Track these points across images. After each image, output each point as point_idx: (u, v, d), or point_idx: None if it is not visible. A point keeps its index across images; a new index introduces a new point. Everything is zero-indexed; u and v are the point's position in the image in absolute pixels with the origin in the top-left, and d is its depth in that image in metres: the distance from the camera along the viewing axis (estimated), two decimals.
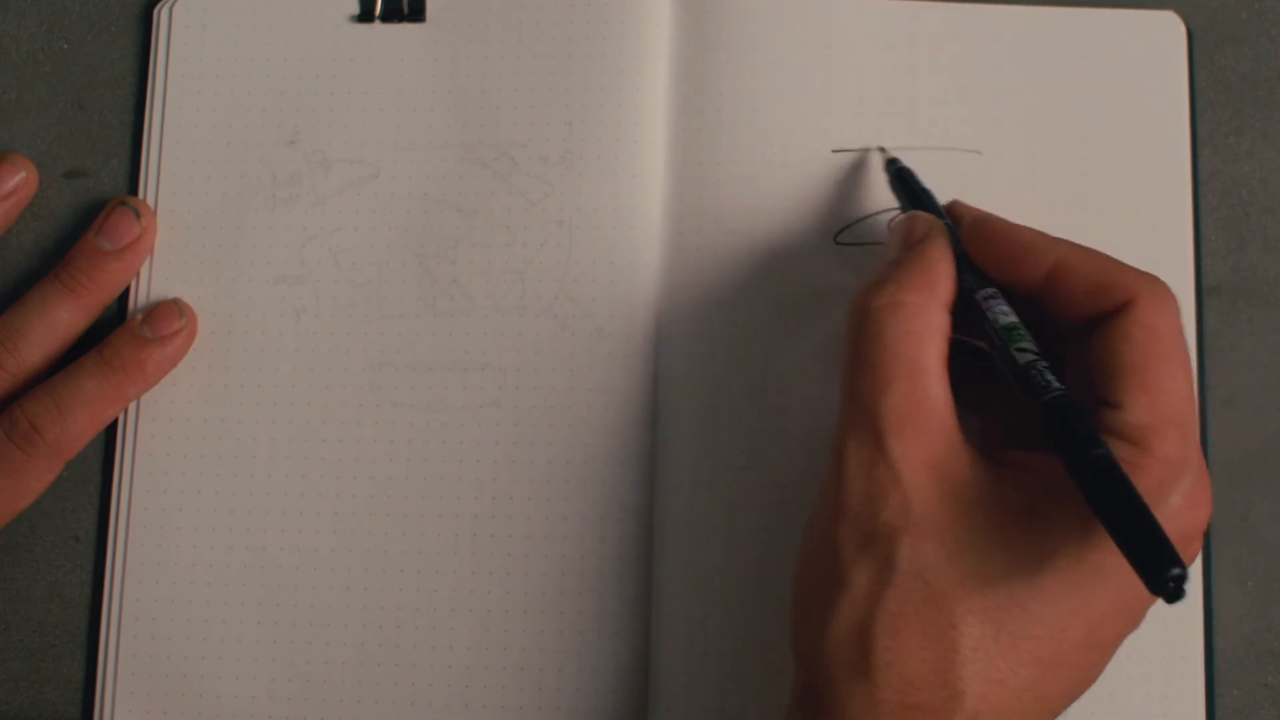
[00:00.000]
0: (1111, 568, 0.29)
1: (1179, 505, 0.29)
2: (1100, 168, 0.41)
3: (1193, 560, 0.31)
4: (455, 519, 0.39)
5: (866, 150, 0.40)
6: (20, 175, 0.41)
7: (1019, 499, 0.30)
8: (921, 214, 0.36)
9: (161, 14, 0.42)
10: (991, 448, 0.32)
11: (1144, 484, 0.28)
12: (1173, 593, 0.26)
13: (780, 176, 0.40)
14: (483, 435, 0.40)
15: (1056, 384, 0.30)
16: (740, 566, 0.39)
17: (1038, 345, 0.31)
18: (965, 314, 0.33)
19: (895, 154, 0.39)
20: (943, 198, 0.40)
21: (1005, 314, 0.32)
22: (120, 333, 0.39)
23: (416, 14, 0.42)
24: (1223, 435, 0.40)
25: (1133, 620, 0.31)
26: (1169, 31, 0.42)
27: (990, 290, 0.33)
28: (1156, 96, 0.41)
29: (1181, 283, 0.40)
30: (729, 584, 0.39)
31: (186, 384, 0.40)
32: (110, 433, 0.40)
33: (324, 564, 0.39)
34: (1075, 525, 0.29)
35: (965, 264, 0.34)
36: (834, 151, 0.41)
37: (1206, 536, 0.39)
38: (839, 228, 0.40)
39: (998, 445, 0.32)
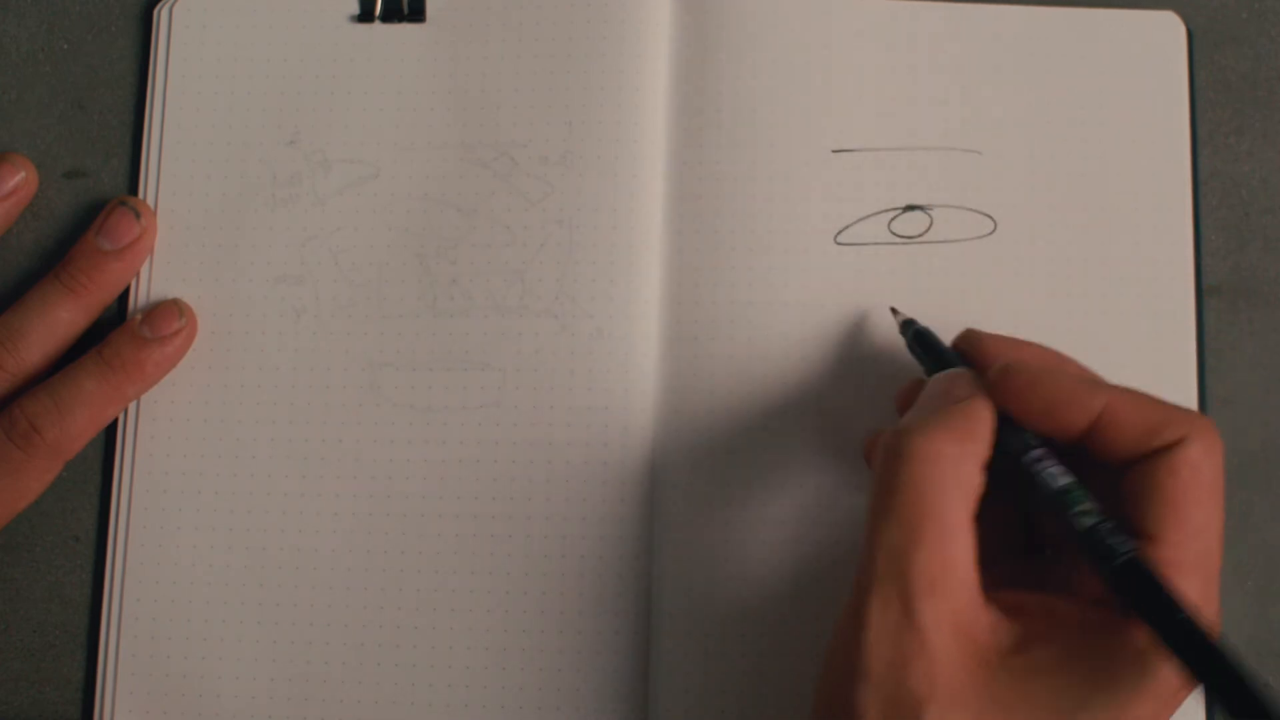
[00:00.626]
0: (1146, 692, 0.28)
1: None
2: (1100, 168, 0.41)
3: None
4: (455, 519, 0.39)
5: (893, 314, 0.39)
6: (20, 175, 0.41)
7: (1041, 657, 0.30)
8: (963, 372, 0.34)
9: (161, 14, 0.42)
10: (993, 585, 0.31)
11: None
12: None
13: (780, 176, 0.40)
14: (483, 435, 0.40)
15: (1125, 545, 0.29)
16: (741, 565, 0.39)
17: (1088, 491, 0.31)
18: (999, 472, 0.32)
19: (908, 315, 0.38)
20: (943, 198, 0.40)
21: (1056, 475, 0.31)
22: (120, 333, 0.39)
23: (416, 14, 0.42)
24: (1223, 435, 0.40)
25: (1167, 711, 0.30)
26: (1169, 31, 0.42)
27: (1037, 452, 0.32)
28: (1156, 96, 0.41)
29: (1181, 283, 0.40)
30: (729, 583, 0.39)
31: (186, 384, 0.40)
32: (110, 433, 0.40)
33: (324, 564, 0.39)
34: (1102, 676, 0.29)
35: (1006, 424, 0.32)
36: (834, 151, 0.41)
37: None
38: (839, 228, 0.40)
39: (992, 560, 0.32)
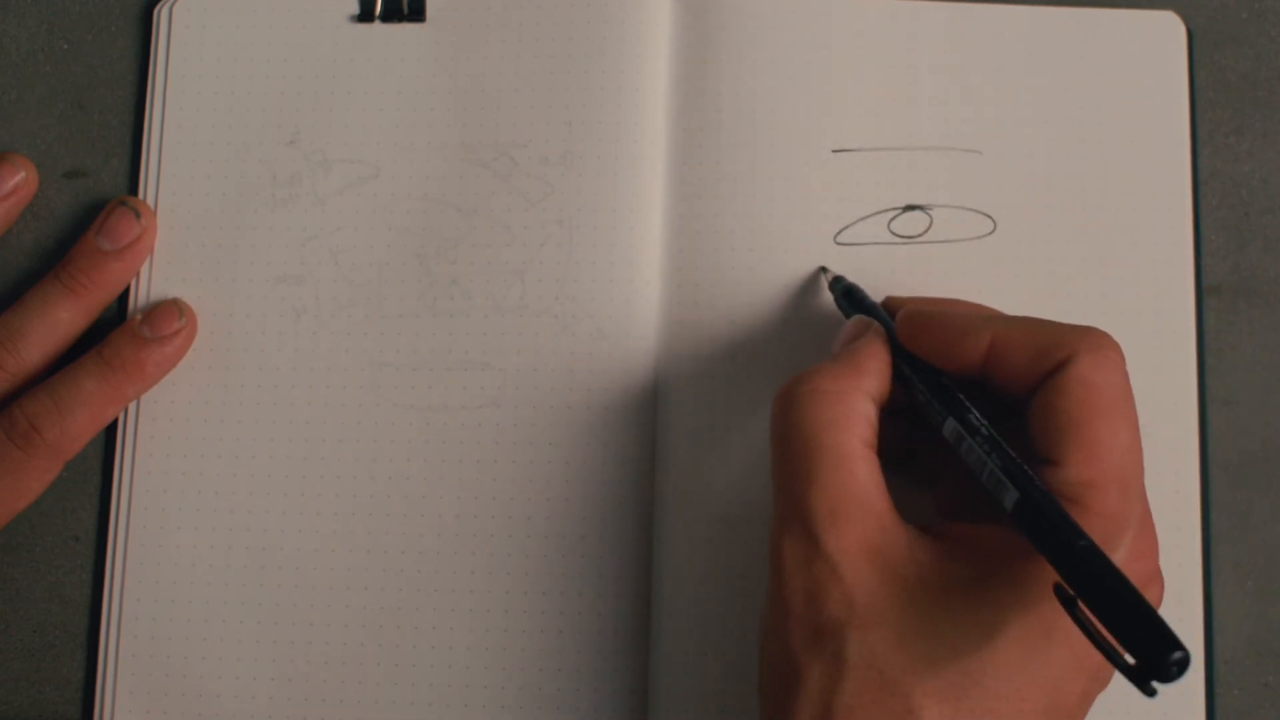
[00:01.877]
0: (1062, 629, 0.29)
1: (1123, 559, 0.29)
2: (1100, 168, 0.41)
3: (1158, 605, 0.31)
4: (455, 519, 0.39)
5: (816, 271, 0.40)
6: (20, 175, 0.41)
7: (961, 573, 0.30)
8: (859, 316, 0.36)
9: (161, 14, 0.42)
10: (945, 517, 0.32)
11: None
12: (1175, 676, 0.25)
13: (780, 176, 0.40)
14: (483, 435, 0.40)
15: (1021, 481, 0.29)
16: (740, 566, 0.39)
17: (987, 423, 0.31)
18: (920, 411, 0.33)
19: (838, 273, 0.39)
20: (943, 198, 0.41)
21: (950, 414, 0.32)
22: (120, 333, 0.39)
23: (416, 14, 0.42)
24: (1223, 435, 0.40)
25: (1096, 679, 0.30)
26: (1169, 31, 0.42)
27: (943, 388, 0.33)
28: (1156, 96, 0.41)
29: (1181, 283, 0.40)
30: (729, 583, 0.39)
31: (186, 384, 0.40)
32: (110, 433, 0.40)
33: (324, 564, 0.39)
34: (1024, 594, 0.29)
35: (913, 368, 0.34)
36: (834, 152, 0.41)
37: (1206, 536, 0.39)
38: (839, 228, 0.40)
39: (956, 514, 0.32)
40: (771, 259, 0.40)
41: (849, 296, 0.38)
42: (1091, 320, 0.39)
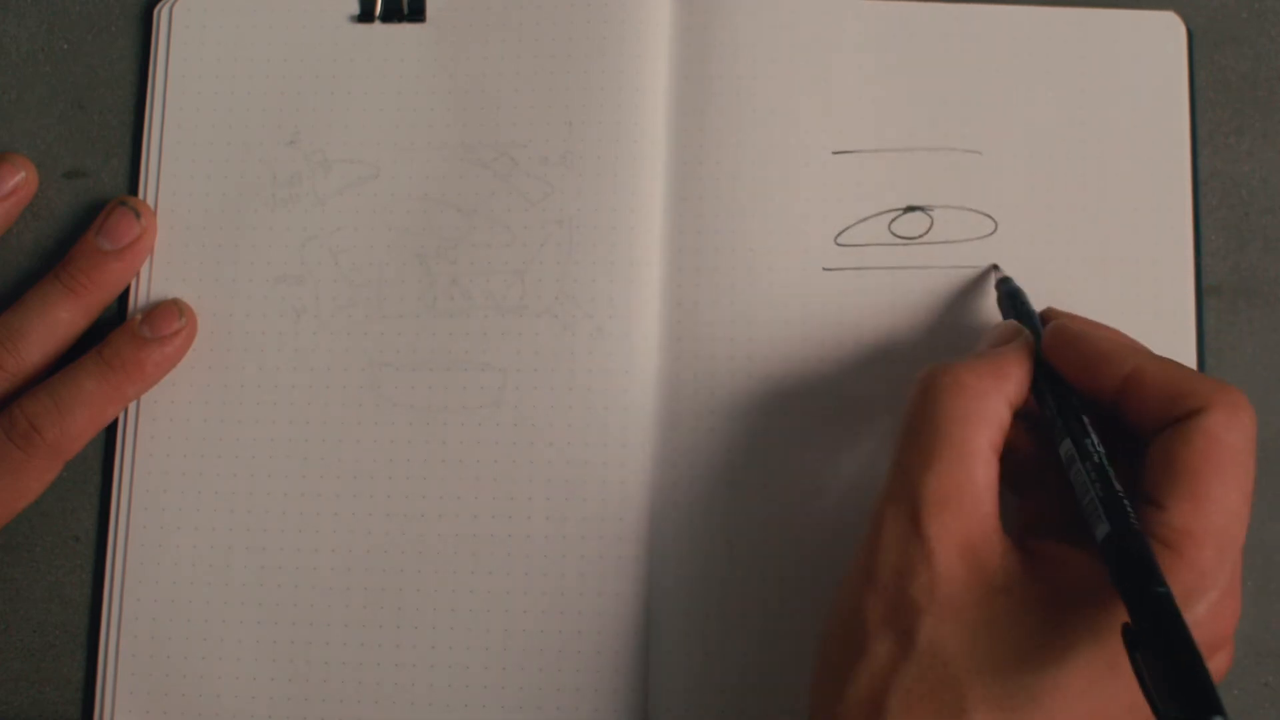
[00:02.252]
0: (1126, 668, 0.28)
1: (1202, 616, 0.29)
2: (1100, 168, 0.41)
3: (1220, 677, 0.31)
4: (455, 519, 0.39)
5: (987, 269, 0.40)
6: (20, 175, 0.41)
7: (1045, 592, 0.30)
8: (1014, 322, 0.36)
9: (161, 14, 0.42)
10: (1029, 532, 0.32)
11: (1172, 589, 0.28)
12: None
13: (781, 177, 0.40)
14: (483, 435, 0.40)
15: (1117, 516, 0.29)
16: (741, 565, 0.39)
17: (1102, 452, 0.31)
18: (1044, 425, 0.33)
19: (1007, 274, 0.39)
20: (943, 198, 0.41)
21: (1074, 436, 0.32)
22: (120, 333, 0.39)
23: (416, 14, 0.42)
24: None
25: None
26: (1169, 31, 0.41)
27: (1071, 408, 0.33)
28: (1156, 96, 0.41)
29: (1181, 283, 0.40)
30: (730, 583, 0.39)
31: (186, 384, 0.40)
32: (110, 433, 0.40)
33: (324, 564, 0.39)
34: (1097, 625, 0.29)
35: (1050, 382, 0.34)
36: (834, 153, 0.41)
37: None
38: (840, 229, 0.40)
39: (1036, 531, 0.32)
40: (772, 260, 0.40)
41: (1012, 299, 0.38)
42: (1091, 319, 0.40)
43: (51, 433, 0.38)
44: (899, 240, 0.40)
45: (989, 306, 0.40)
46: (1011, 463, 0.33)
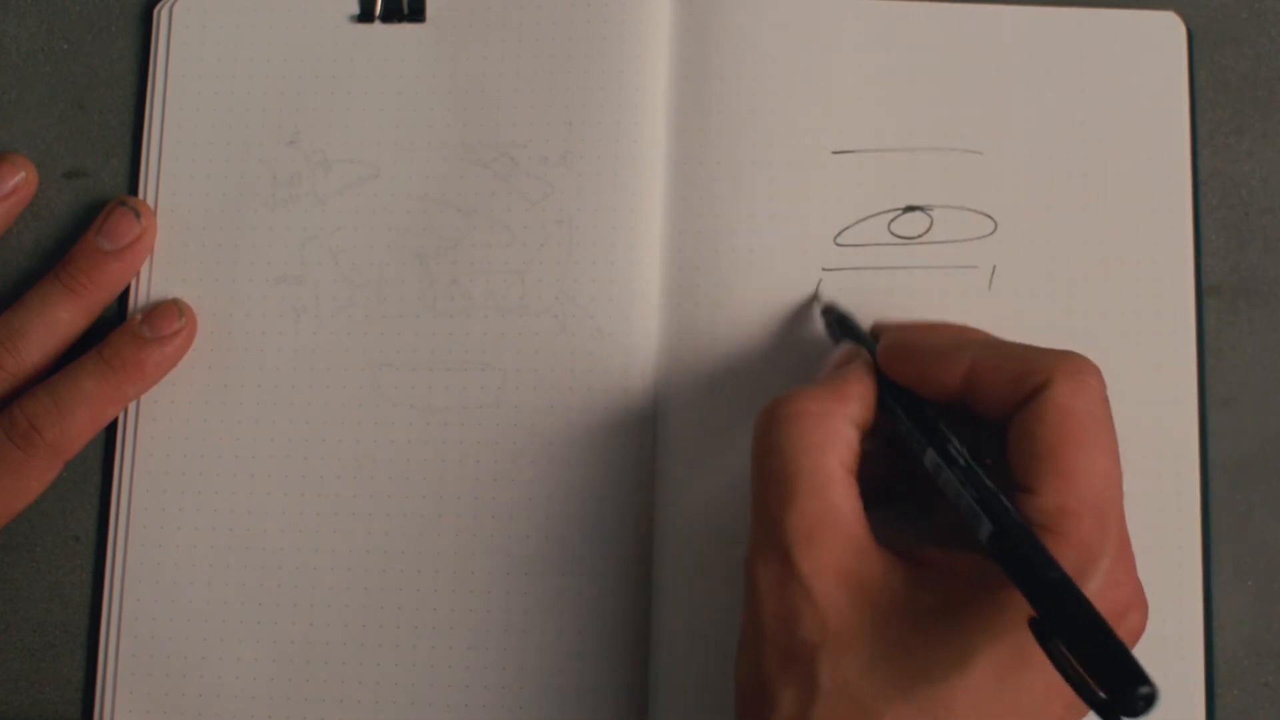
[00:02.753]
0: (1037, 658, 0.28)
1: (1099, 587, 0.29)
2: (1100, 168, 0.41)
3: (1136, 638, 0.31)
4: (455, 519, 0.39)
5: (810, 299, 0.40)
6: (20, 175, 0.41)
7: (935, 600, 0.30)
8: (848, 344, 0.36)
9: (161, 14, 0.42)
10: (917, 541, 0.32)
11: (1064, 569, 0.28)
12: (1142, 710, 0.25)
13: (780, 177, 0.40)
14: (483, 435, 0.40)
15: (996, 513, 0.29)
16: (740, 566, 0.39)
17: (966, 451, 0.31)
18: (903, 441, 0.33)
19: (830, 300, 0.39)
20: (943, 198, 0.41)
21: (930, 444, 0.32)
22: (120, 333, 0.39)
23: (416, 14, 0.42)
24: (1223, 435, 0.40)
25: (1072, 707, 0.30)
26: (1169, 31, 0.42)
27: (925, 418, 0.33)
28: (1156, 96, 0.41)
29: (1181, 283, 0.40)
30: (729, 583, 0.39)
31: (186, 384, 0.40)
32: (110, 433, 0.40)
33: (324, 564, 0.39)
34: (995, 621, 0.29)
35: (897, 396, 0.34)
36: (834, 153, 0.41)
37: (1206, 537, 0.39)
38: (839, 229, 0.40)
39: (912, 541, 0.32)
40: (771, 260, 0.40)
41: (841, 324, 0.38)
42: (1092, 320, 0.40)
43: (51, 433, 0.38)
44: (899, 240, 0.40)
45: (987, 306, 0.40)
46: (870, 481, 0.33)
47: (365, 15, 0.42)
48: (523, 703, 0.38)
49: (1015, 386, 0.31)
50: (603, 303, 0.40)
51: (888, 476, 0.34)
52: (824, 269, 0.40)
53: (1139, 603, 0.31)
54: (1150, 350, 0.40)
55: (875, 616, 0.30)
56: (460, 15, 0.42)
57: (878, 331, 0.37)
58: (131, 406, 0.40)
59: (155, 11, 0.43)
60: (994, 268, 0.40)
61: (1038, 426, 0.30)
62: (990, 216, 0.40)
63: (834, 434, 0.32)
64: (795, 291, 0.40)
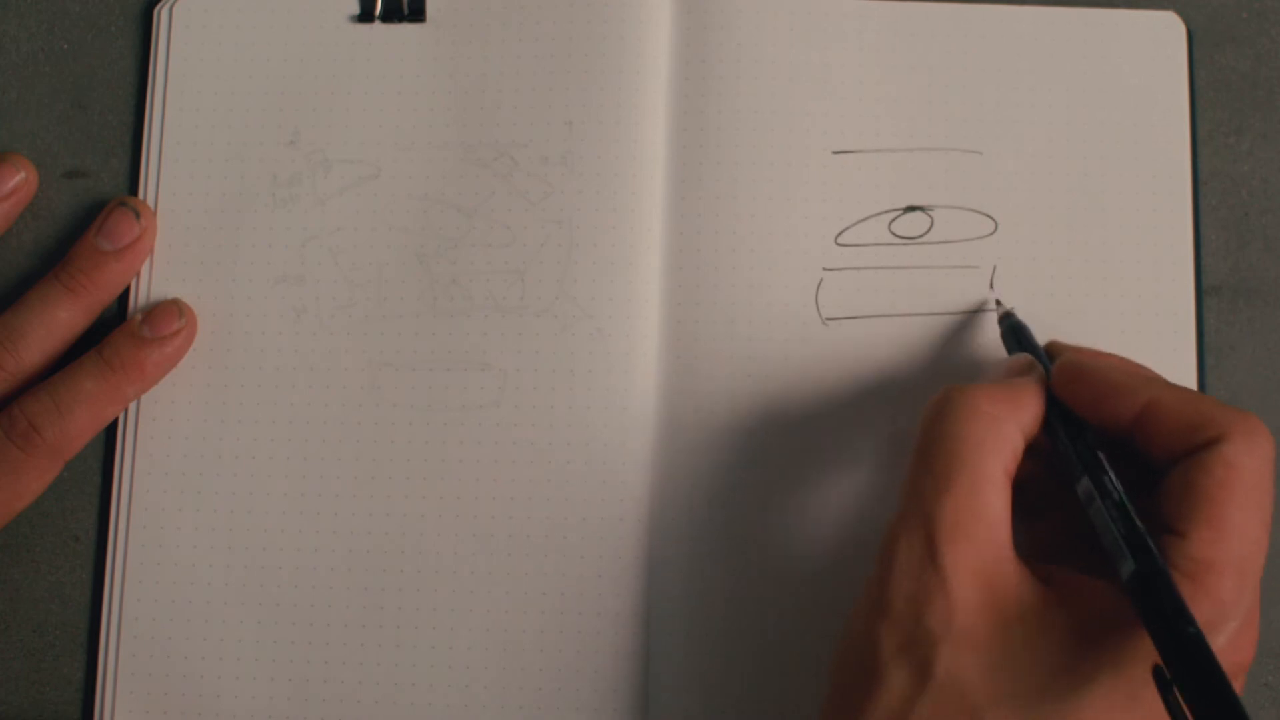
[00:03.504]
0: (1146, 699, 0.28)
1: (1222, 647, 0.29)
2: (1100, 168, 0.41)
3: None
4: (455, 519, 0.39)
5: (985, 303, 0.40)
6: (20, 175, 0.41)
7: (1063, 621, 0.30)
8: (1026, 355, 0.36)
9: (161, 14, 0.42)
10: (1042, 557, 0.32)
11: None
12: None
13: (781, 177, 0.40)
14: (483, 435, 0.40)
15: (1141, 555, 0.29)
16: (741, 564, 0.39)
17: (1120, 488, 0.31)
18: (1056, 461, 0.33)
19: (1010, 308, 0.39)
20: (943, 198, 0.40)
21: (1090, 469, 0.32)
22: (120, 333, 0.39)
23: (416, 14, 0.42)
24: None
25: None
26: (1169, 31, 0.42)
27: (1086, 445, 0.33)
28: (1156, 96, 0.41)
29: (1181, 283, 0.40)
30: (729, 583, 0.39)
31: (186, 384, 0.40)
32: (110, 433, 0.40)
33: (324, 564, 0.39)
34: (1118, 656, 0.29)
35: (1063, 418, 0.33)
36: (834, 153, 0.41)
37: None
38: (839, 229, 0.40)
39: (1047, 559, 0.32)
40: (772, 260, 0.40)
41: (1016, 333, 0.38)
42: (1092, 320, 0.40)
43: (51, 432, 0.38)
44: (899, 240, 0.40)
45: (983, 301, 0.40)
46: (1022, 492, 0.33)
47: (365, 15, 0.42)
48: (522, 703, 0.38)
49: (1188, 434, 0.31)
50: (603, 303, 0.40)
51: (1034, 492, 0.34)
52: (824, 269, 0.40)
53: (1244, 673, 0.31)
54: (1150, 350, 0.40)
55: (1002, 623, 0.30)
56: (460, 15, 0.42)
57: (1053, 351, 0.37)
58: (131, 406, 0.40)
59: (155, 11, 0.43)
60: (994, 268, 0.40)
61: (1203, 477, 0.30)
62: (990, 216, 0.40)
63: (1003, 437, 0.32)
64: (796, 291, 0.40)
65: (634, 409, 0.39)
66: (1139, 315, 0.40)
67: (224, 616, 0.39)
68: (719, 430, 0.39)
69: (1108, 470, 0.32)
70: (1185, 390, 0.32)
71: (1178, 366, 0.40)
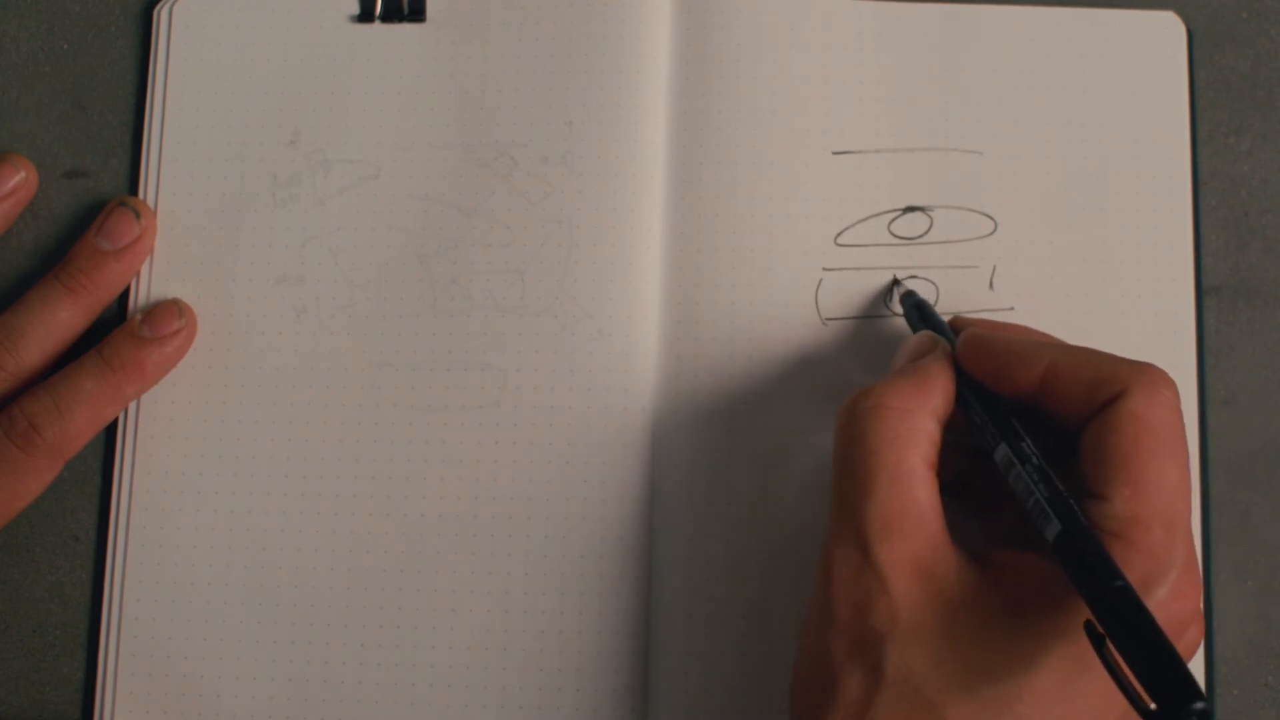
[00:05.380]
0: (1096, 664, 0.28)
1: (1164, 598, 0.29)
2: (1100, 168, 0.41)
3: (1192, 653, 0.31)
4: (455, 519, 0.39)
5: (891, 284, 0.40)
6: (20, 175, 0.41)
7: (1004, 600, 0.30)
8: (928, 333, 0.36)
9: (161, 14, 0.42)
10: (994, 546, 0.32)
11: (1129, 577, 0.28)
12: None
13: (780, 178, 0.40)
14: (483, 435, 0.40)
15: (1064, 514, 0.29)
16: (740, 564, 0.39)
17: (1039, 451, 0.31)
18: (974, 434, 0.33)
19: (909, 285, 0.39)
20: (943, 198, 0.41)
21: (1005, 441, 0.32)
22: (120, 333, 0.39)
23: (416, 14, 0.42)
24: (1223, 435, 0.40)
25: (1127, 716, 0.30)
26: (1169, 31, 0.42)
27: (1000, 413, 0.33)
28: (1156, 96, 0.41)
29: (1181, 283, 0.40)
30: (729, 583, 0.39)
31: (186, 384, 0.40)
32: (110, 433, 0.40)
33: (324, 564, 0.39)
34: (1062, 625, 0.29)
35: (974, 390, 0.34)
36: (834, 153, 0.41)
37: (1206, 537, 0.39)
38: (839, 229, 0.40)
39: (1000, 543, 0.32)
40: (772, 260, 0.40)
41: (919, 310, 0.38)
42: (1092, 320, 0.40)
43: (51, 432, 0.38)
44: (899, 240, 0.40)
45: (987, 306, 0.40)
46: (968, 488, 0.33)
47: (365, 15, 0.42)
48: (522, 703, 0.38)
49: (1091, 393, 0.31)
50: (603, 303, 0.40)
51: (956, 476, 0.35)
52: (824, 269, 0.40)
53: (1200, 618, 0.31)
54: (1150, 350, 0.40)
55: (946, 611, 0.30)
56: (460, 15, 0.42)
57: (957, 325, 0.37)
58: (131, 406, 0.40)
59: (155, 11, 0.43)
60: (994, 268, 0.40)
61: (1112, 435, 0.30)
62: (990, 216, 0.40)
63: (917, 428, 0.32)
64: (795, 291, 0.40)
65: (634, 409, 0.39)
66: (1139, 315, 0.40)
67: (224, 616, 0.39)
68: (719, 430, 0.39)
69: (1023, 436, 0.32)
70: (1084, 350, 0.32)
71: (1178, 366, 0.40)
